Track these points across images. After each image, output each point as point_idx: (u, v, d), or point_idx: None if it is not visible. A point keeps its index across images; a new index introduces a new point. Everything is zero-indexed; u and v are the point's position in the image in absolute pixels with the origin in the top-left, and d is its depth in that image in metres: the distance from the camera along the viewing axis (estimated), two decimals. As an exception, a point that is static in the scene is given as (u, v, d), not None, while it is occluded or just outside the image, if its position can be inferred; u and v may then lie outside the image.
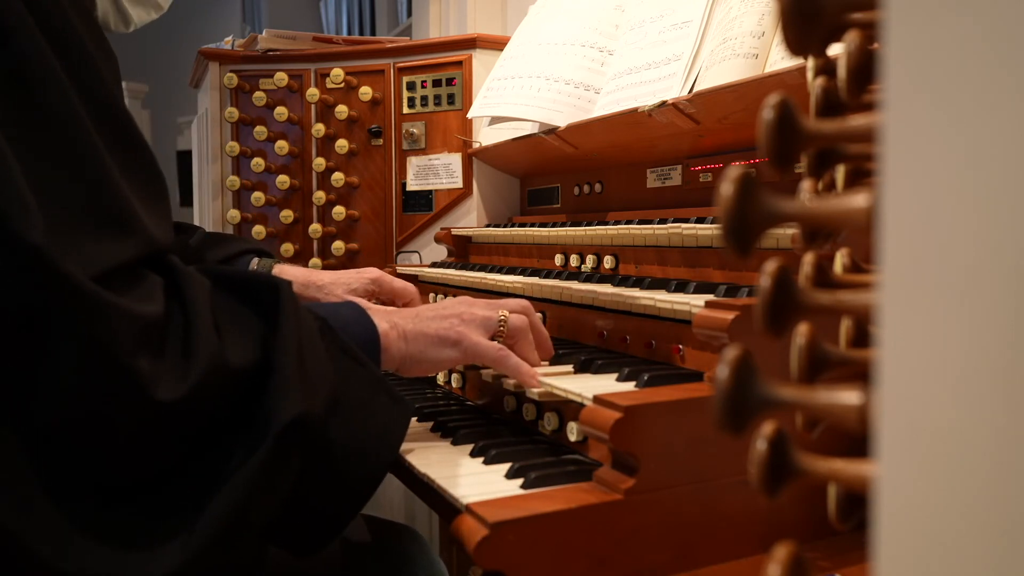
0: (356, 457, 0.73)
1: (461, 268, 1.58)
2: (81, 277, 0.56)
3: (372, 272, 1.23)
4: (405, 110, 1.93)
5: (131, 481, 0.61)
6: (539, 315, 1.26)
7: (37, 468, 0.57)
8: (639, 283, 1.08)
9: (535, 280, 1.25)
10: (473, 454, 0.88)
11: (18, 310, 0.54)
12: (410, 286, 1.23)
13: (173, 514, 0.60)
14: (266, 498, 0.63)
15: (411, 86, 1.93)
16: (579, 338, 1.17)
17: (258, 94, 1.95)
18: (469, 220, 1.87)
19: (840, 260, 0.44)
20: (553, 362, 1.01)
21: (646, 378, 0.83)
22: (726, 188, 0.31)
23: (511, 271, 1.43)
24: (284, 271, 1.22)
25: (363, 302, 0.99)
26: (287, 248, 1.98)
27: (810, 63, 0.46)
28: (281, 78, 1.97)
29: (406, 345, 0.91)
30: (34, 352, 0.55)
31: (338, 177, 1.92)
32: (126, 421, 0.58)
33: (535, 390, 0.90)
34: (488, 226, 1.80)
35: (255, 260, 1.26)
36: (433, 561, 1.03)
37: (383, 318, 0.91)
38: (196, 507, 0.60)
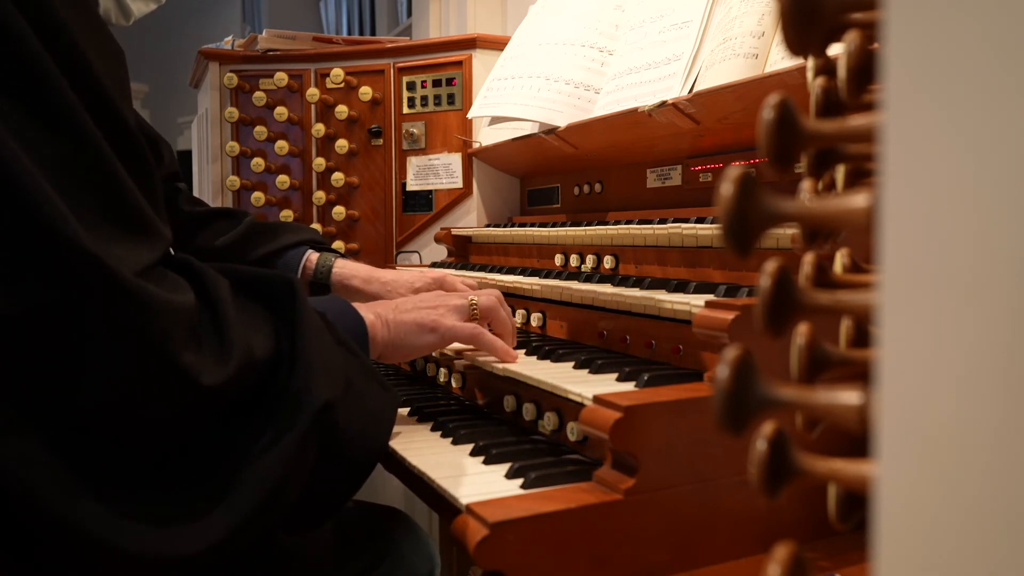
0: (357, 441, 0.76)
1: (461, 268, 1.58)
2: (128, 275, 0.58)
3: (435, 272, 1.27)
4: (405, 110, 1.93)
5: (172, 463, 0.64)
6: (523, 311, 1.30)
7: (87, 457, 0.59)
8: (639, 283, 1.08)
9: (535, 280, 1.25)
10: (473, 454, 0.88)
11: (66, 309, 0.56)
12: (472, 283, 1.26)
13: (211, 490, 0.64)
14: (297, 475, 0.67)
15: (411, 86, 1.93)
16: (579, 338, 1.17)
17: (258, 94, 1.95)
18: (469, 220, 1.87)
19: (840, 260, 0.44)
20: (553, 361, 1.01)
21: (646, 378, 0.83)
22: (726, 188, 0.31)
23: (511, 271, 1.43)
24: (347, 266, 1.27)
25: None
26: (287, 248, 1.98)
27: (810, 63, 0.46)
28: (281, 78, 1.97)
29: (389, 333, 0.97)
30: (81, 349, 0.57)
31: (338, 177, 1.92)
32: (173, 407, 0.62)
33: (506, 370, 0.97)
34: (488, 226, 1.80)
35: (310, 252, 1.29)
36: (420, 540, 1.06)
37: (368, 310, 0.97)
38: (229, 483, 0.64)
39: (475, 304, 1.05)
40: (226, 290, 0.70)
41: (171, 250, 0.70)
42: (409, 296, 1.10)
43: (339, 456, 0.74)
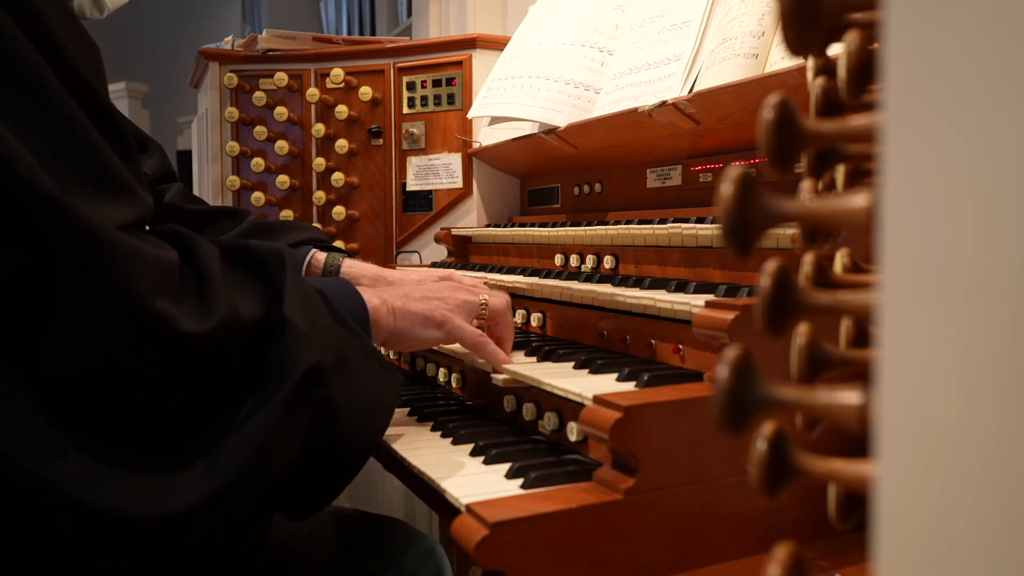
0: (354, 421, 0.75)
1: (461, 268, 1.58)
2: (98, 221, 0.57)
3: (441, 271, 1.26)
4: (405, 110, 1.93)
5: (156, 423, 0.63)
6: (523, 311, 1.30)
7: (68, 414, 0.58)
8: (639, 283, 1.08)
9: (535, 280, 1.25)
10: (473, 454, 0.88)
11: (38, 260, 0.56)
12: (479, 283, 1.25)
13: (194, 452, 0.63)
14: (284, 442, 0.66)
15: (411, 86, 1.93)
16: (579, 338, 1.17)
17: (258, 94, 1.95)
18: (469, 220, 1.87)
19: (840, 260, 0.44)
20: (553, 361, 1.01)
21: (646, 378, 0.83)
22: (726, 188, 0.31)
23: (511, 271, 1.43)
24: (355, 266, 1.26)
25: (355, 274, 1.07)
26: (287, 248, 1.98)
27: (810, 63, 0.46)
28: (281, 78, 1.97)
29: (394, 321, 0.95)
30: (54, 300, 0.56)
31: (338, 177, 1.92)
32: (151, 357, 0.60)
33: (506, 371, 0.96)
34: (488, 226, 1.80)
35: (316, 251, 1.28)
36: (428, 550, 1.04)
37: (374, 294, 0.95)
38: (213, 445, 0.63)
39: (485, 305, 1.03)
40: (214, 256, 0.68)
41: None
42: (418, 284, 1.09)
43: (333, 434, 0.72)
